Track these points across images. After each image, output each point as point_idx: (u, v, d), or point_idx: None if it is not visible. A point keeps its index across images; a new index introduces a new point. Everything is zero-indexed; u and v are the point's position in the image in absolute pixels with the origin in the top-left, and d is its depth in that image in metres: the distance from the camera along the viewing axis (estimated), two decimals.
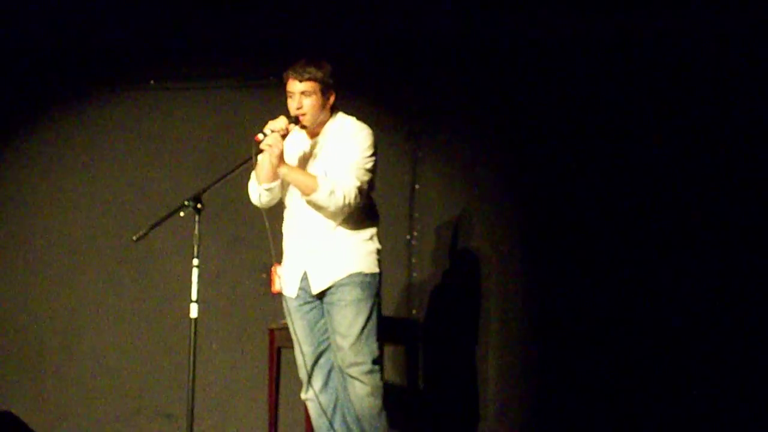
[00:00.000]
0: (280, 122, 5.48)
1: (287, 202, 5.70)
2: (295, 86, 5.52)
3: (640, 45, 6.94)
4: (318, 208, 5.54)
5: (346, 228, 5.59)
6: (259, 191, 5.62)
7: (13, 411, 6.60)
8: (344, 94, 5.66)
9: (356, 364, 5.54)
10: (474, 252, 7.13)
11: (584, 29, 6.97)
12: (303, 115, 5.52)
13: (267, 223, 5.48)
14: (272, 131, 5.44)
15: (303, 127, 5.58)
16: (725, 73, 6.82)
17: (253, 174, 5.60)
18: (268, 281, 6.25)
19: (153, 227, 5.38)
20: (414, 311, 7.18)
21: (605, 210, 6.93)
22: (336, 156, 5.55)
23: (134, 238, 5.41)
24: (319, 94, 5.52)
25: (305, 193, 5.53)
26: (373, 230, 5.66)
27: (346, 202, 5.48)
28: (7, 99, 7.71)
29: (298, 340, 5.69)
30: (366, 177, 5.55)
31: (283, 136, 5.49)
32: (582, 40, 7.00)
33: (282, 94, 5.70)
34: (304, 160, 5.63)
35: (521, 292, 7.06)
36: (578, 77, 7.01)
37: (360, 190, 5.51)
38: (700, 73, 6.85)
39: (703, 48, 6.83)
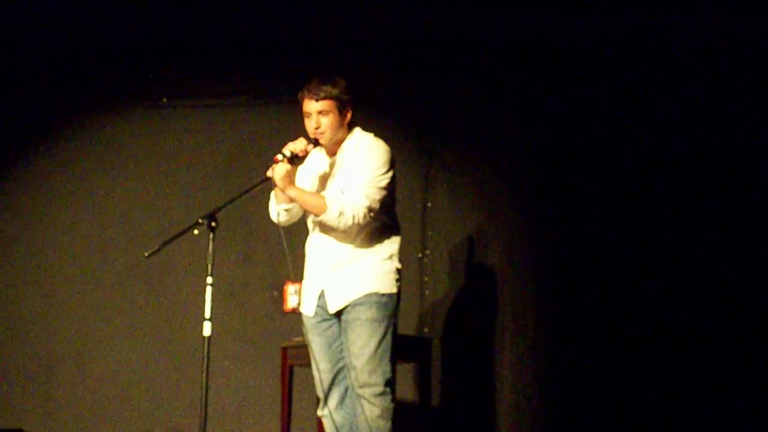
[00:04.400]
0: (300, 143, 5.48)
1: (308, 221, 5.70)
2: (311, 106, 5.50)
3: (655, 57, 6.94)
4: (330, 228, 5.54)
5: (365, 247, 5.56)
6: (277, 210, 5.62)
7: (25, 428, 6.61)
8: (355, 112, 5.64)
9: (368, 385, 5.49)
10: (486, 269, 7.12)
11: (597, 44, 6.97)
12: (322, 134, 5.51)
13: (284, 241, 5.48)
14: (291, 152, 5.44)
15: (321, 145, 5.58)
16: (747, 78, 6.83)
17: (272, 193, 5.60)
18: (281, 299, 6.24)
19: (165, 244, 5.40)
20: (426, 329, 7.17)
21: (619, 225, 6.93)
22: (350, 174, 5.54)
23: (146, 254, 5.43)
24: (336, 112, 5.50)
25: (315, 214, 5.53)
26: (392, 249, 5.61)
27: (355, 221, 5.46)
28: (21, 117, 7.73)
29: (315, 357, 5.67)
30: (378, 195, 5.50)
31: (303, 157, 5.50)
32: (593, 57, 7.00)
33: (295, 112, 5.71)
34: (323, 179, 5.63)
35: (535, 309, 7.05)
36: (591, 93, 7.01)
37: (370, 208, 5.48)
38: (723, 84, 6.85)
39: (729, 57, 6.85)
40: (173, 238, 5.41)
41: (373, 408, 5.50)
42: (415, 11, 7.19)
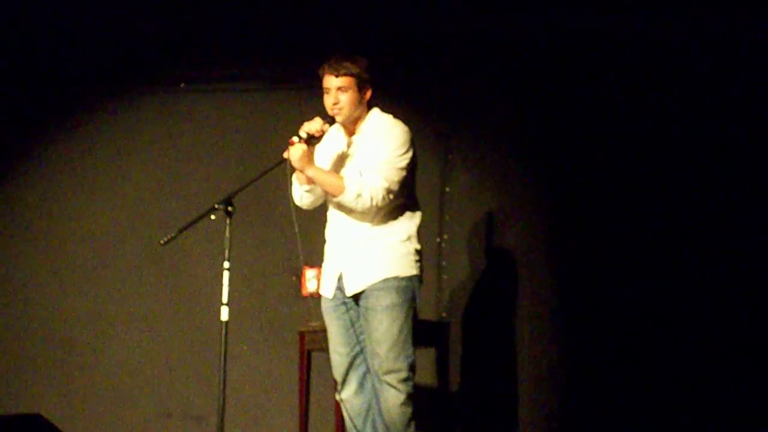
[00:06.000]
0: (316, 123, 5.48)
1: (328, 202, 5.69)
2: (331, 82, 5.50)
3: (671, 48, 6.90)
4: (347, 209, 5.52)
5: (383, 228, 5.54)
6: (300, 192, 5.63)
7: (43, 413, 6.60)
8: (374, 96, 5.63)
9: (393, 371, 5.48)
10: (504, 254, 7.10)
11: (616, 31, 6.94)
12: (339, 110, 5.50)
13: (296, 226, 5.47)
14: (307, 133, 5.44)
15: (338, 124, 5.56)
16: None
17: (294, 176, 5.59)
18: (299, 284, 6.24)
19: (181, 231, 5.42)
20: (444, 314, 7.16)
21: (638, 210, 6.90)
22: (369, 155, 5.52)
23: (162, 241, 5.44)
24: (356, 89, 5.50)
25: (333, 195, 5.52)
26: (410, 230, 5.59)
27: (374, 203, 5.45)
28: (38, 101, 7.74)
29: (332, 341, 5.66)
30: (397, 176, 5.48)
31: (319, 137, 5.49)
32: (613, 41, 6.96)
33: (312, 97, 5.70)
34: (341, 159, 5.62)
35: (553, 293, 7.03)
36: (610, 79, 6.97)
37: (389, 190, 5.47)
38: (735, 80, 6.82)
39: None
40: (190, 224, 5.43)
41: (398, 394, 5.49)
42: None
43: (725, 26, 6.80)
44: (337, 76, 5.48)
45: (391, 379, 5.49)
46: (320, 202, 5.71)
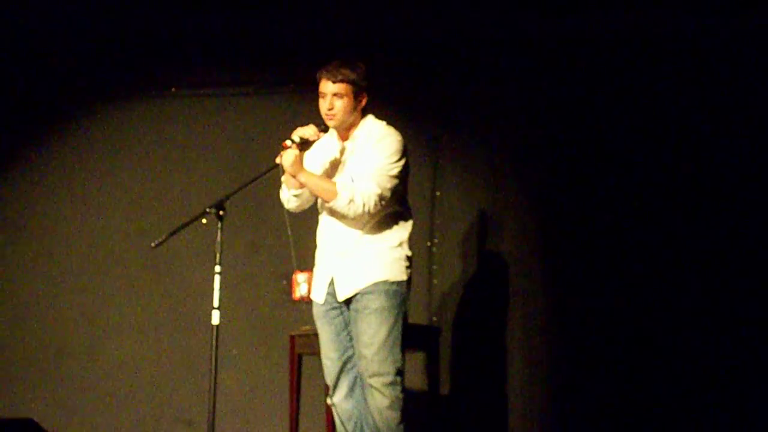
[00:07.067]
0: (309, 129, 5.48)
1: (319, 207, 5.69)
2: (327, 87, 5.49)
3: (663, 48, 6.92)
4: (340, 214, 5.53)
5: (375, 234, 5.54)
6: (288, 196, 5.63)
7: (34, 418, 6.61)
8: (370, 99, 5.62)
9: (378, 374, 5.48)
10: (495, 258, 7.11)
11: (607, 33, 6.95)
12: (333, 116, 5.49)
13: (289, 230, 5.48)
14: (300, 138, 5.44)
15: (332, 129, 5.57)
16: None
17: (283, 179, 5.59)
18: (289, 288, 6.24)
19: (172, 234, 5.42)
20: (434, 318, 7.17)
21: (628, 213, 6.91)
22: (362, 162, 5.53)
23: (152, 244, 5.44)
24: (351, 97, 5.49)
25: (325, 200, 5.52)
26: (402, 236, 5.59)
27: (366, 209, 5.45)
28: (29, 106, 7.74)
29: (323, 346, 5.67)
30: (389, 184, 5.49)
31: (312, 143, 5.50)
32: (603, 44, 6.98)
33: (303, 102, 5.69)
34: (334, 165, 5.62)
35: (543, 298, 7.05)
36: (599, 82, 6.99)
37: (381, 197, 5.47)
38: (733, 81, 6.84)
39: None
40: (181, 228, 5.42)
41: (383, 398, 5.49)
42: (425, 1, 7.20)
43: (713, 27, 6.84)
44: (334, 82, 5.47)
45: (376, 382, 5.48)
46: (308, 205, 5.71)
